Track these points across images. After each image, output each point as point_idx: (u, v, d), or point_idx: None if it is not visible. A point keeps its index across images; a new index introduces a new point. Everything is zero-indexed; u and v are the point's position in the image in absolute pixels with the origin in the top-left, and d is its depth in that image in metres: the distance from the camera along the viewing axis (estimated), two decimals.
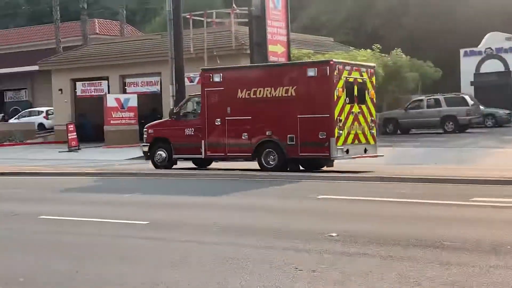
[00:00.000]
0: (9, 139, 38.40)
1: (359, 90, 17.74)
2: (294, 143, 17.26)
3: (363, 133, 17.90)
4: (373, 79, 18.55)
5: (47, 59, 40.92)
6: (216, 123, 18.42)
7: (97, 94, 35.81)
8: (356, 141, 17.63)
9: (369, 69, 18.51)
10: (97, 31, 48.99)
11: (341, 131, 17.02)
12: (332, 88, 16.88)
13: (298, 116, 17.27)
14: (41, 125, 42.65)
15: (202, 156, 18.69)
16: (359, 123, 17.70)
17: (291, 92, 17.44)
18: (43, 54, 44.04)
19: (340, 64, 17.70)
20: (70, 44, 44.14)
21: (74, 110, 38.26)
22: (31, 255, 7.98)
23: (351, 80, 17.52)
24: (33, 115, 43.91)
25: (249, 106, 18.02)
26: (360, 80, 17.86)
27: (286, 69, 19.00)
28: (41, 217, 10.83)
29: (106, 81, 36.02)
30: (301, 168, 18.09)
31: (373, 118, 18.38)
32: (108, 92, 34.40)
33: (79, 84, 37.19)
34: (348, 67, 17.71)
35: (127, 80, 35.63)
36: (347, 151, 17.29)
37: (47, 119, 42.73)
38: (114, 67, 35.69)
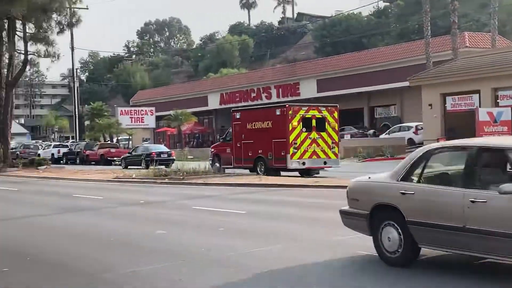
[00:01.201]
0: (380, 154, 41.38)
1: (317, 122, 26.75)
2: (271, 158, 27.15)
3: (323, 151, 26.86)
4: (335, 114, 27.41)
5: (417, 75, 42.92)
6: (238, 145, 28.80)
7: (467, 108, 36.38)
8: (314, 156, 26.74)
9: (330, 108, 27.66)
10: (467, 44, 49.31)
11: (296, 150, 26.29)
12: (287, 122, 26.30)
13: (273, 140, 26.95)
14: (410, 140, 44.78)
15: (232, 166, 29.24)
16: (318, 144, 26.72)
17: (269, 124, 27.41)
18: (412, 70, 46.25)
19: (295, 106, 27.49)
20: (439, 59, 45.39)
21: (444, 125, 39.43)
22: None
23: (308, 116, 26.71)
24: (402, 131, 46.33)
25: (252, 134, 28.14)
26: (319, 116, 26.90)
27: (267, 110, 29.48)
28: None
29: (477, 95, 36.39)
30: (298, 175, 27.09)
31: (334, 141, 27.25)
32: (480, 106, 34.73)
33: (448, 99, 38.14)
34: (305, 108, 27.19)
35: (500, 93, 35.51)
36: (304, 163, 26.61)
37: (417, 134, 44.70)
38: (486, 80, 35.85)
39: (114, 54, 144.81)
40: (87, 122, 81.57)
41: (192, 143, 75.86)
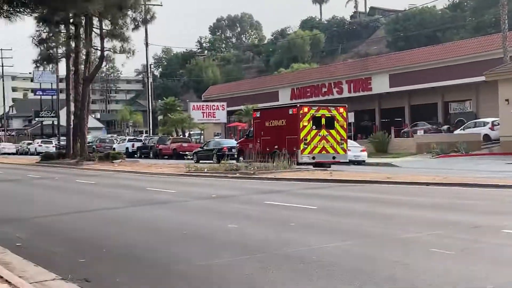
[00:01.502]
0: (454, 150, 40.48)
1: (326, 121, 29.67)
2: (292, 153, 28.87)
3: (332, 147, 29.74)
4: (344, 113, 30.21)
5: (493, 69, 41.76)
6: (258, 141, 31.61)
7: None
8: (324, 152, 29.71)
9: (338, 107, 30.51)
10: None
11: (306, 146, 29.33)
12: (298, 120, 29.33)
13: (286, 137, 29.90)
14: (486, 136, 43.65)
15: (253, 160, 29.21)
16: (327, 141, 29.64)
17: (283, 123, 30.57)
18: (489, 64, 45.01)
19: (306, 106, 30.64)
20: None
21: None
22: None
23: (318, 115, 29.67)
24: (478, 126, 45.19)
25: (269, 131, 31.38)
26: (328, 115, 29.81)
27: (281, 109, 32.81)
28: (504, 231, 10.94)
29: None
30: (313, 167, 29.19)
31: (342, 137, 29.98)
32: None
33: None
34: (315, 108, 30.23)
35: None
36: (314, 158, 29.50)
37: (493, 130, 43.51)
38: None
39: (186, 50, 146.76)
40: (160, 117, 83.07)
41: None
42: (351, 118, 52.29)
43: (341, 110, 30.47)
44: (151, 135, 67.54)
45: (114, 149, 55.29)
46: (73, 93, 48.91)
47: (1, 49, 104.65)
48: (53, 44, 48.69)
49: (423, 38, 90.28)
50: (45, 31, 47.21)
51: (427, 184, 20.59)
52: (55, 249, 10.27)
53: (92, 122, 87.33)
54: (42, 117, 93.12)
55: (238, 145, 37.86)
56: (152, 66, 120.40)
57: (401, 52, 67.71)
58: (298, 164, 28.91)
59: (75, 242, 10.90)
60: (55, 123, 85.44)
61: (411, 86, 57.09)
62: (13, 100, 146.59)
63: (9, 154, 77.09)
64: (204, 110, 68.38)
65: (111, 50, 46.05)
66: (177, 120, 68.12)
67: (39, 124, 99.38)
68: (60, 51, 50.85)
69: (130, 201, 17.86)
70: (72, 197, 19.81)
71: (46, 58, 48.97)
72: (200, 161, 41.00)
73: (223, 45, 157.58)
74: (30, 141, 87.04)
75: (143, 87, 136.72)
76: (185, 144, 51.90)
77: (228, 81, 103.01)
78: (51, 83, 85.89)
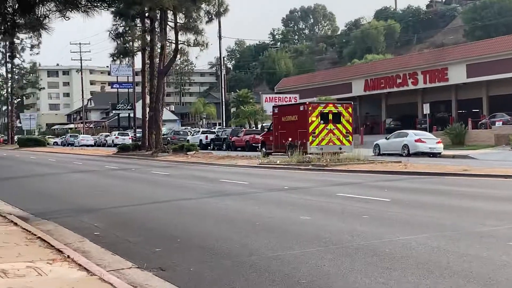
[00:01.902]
0: None
1: (333, 116, 32.78)
2: (303, 144, 32.15)
3: (338, 139, 32.79)
4: (350, 109, 33.58)
5: None
6: (276, 134, 35.80)
7: None
8: (331, 143, 32.64)
9: (345, 104, 33.80)
10: None
11: (314, 138, 32.45)
12: (308, 116, 32.56)
13: (298, 130, 33.26)
14: None
15: (273, 151, 35.66)
16: (333, 134, 32.70)
17: (296, 118, 33.89)
18: None
19: (314, 103, 34.96)
20: None
21: None
22: None
23: (325, 111, 32.84)
24: None
25: (285, 125, 34.85)
26: (335, 111, 32.94)
27: (294, 106, 36.77)
28: None
29: None
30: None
31: (348, 131, 33.11)
32: None
33: None
34: (323, 105, 33.86)
35: None
36: (321, 149, 31.80)
37: None
38: None
39: (259, 42, 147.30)
40: (233, 109, 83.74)
41: None
42: (426, 109, 51.30)
43: (347, 106, 33.94)
44: (224, 127, 68.18)
45: (188, 141, 56.06)
46: (148, 86, 49.89)
47: (80, 44, 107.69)
48: (129, 38, 49.78)
49: (501, 27, 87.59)
50: (121, 25, 48.33)
51: (506, 177, 20.02)
52: (132, 238, 10.53)
53: (166, 114, 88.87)
54: (119, 109, 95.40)
55: (262, 137, 41.76)
56: (225, 58, 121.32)
57: (479, 41, 65.89)
58: (308, 154, 31.48)
59: (151, 232, 11.15)
60: (131, 115, 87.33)
61: (489, 76, 55.53)
62: (91, 93, 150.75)
63: (87, 146, 79.39)
64: (277, 102, 68.44)
65: (185, 43, 46.71)
66: (250, 112, 68.51)
67: (116, 117, 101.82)
68: (136, 45, 51.94)
69: (204, 192, 18.11)
70: (148, 188, 20.24)
71: (122, 52, 50.10)
72: (272, 154, 41.09)
73: (296, 37, 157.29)
74: (108, 133, 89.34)
75: (217, 79, 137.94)
76: (258, 136, 52.09)
77: (301, 73, 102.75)
78: (127, 76, 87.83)
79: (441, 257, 8.38)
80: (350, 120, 33.76)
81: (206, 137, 58.77)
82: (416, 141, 37.12)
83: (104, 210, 14.53)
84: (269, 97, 70.14)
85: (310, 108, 32.99)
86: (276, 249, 9.19)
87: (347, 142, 33.21)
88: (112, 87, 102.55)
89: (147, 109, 49.26)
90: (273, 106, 39.26)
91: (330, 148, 32.12)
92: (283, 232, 10.67)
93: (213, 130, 68.22)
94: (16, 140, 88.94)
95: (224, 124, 71.37)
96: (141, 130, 56.60)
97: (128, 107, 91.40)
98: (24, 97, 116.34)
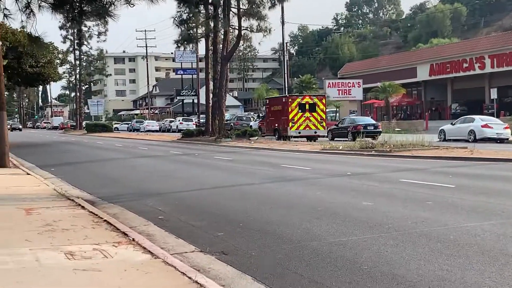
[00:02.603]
0: None
1: (310, 106, 40.50)
2: (281, 129, 41.25)
3: (314, 125, 40.51)
4: (323, 100, 41.85)
5: None
6: (267, 121, 44.56)
7: None
8: (307, 128, 40.56)
9: (319, 97, 42.54)
10: None
11: (293, 124, 40.20)
12: (288, 106, 40.38)
13: (282, 117, 41.16)
14: None
15: (265, 134, 45.18)
16: (310, 121, 40.30)
17: (280, 108, 41.68)
18: None
19: (294, 96, 43.76)
20: None
21: None
22: None
23: (303, 102, 40.73)
24: None
25: (273, 113, 42.94)
26: (311, 102, 40.79)
27: (279, 98, 44.44)
28: None
29: None
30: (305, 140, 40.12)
31: (322, 118, 40.96)
32: None
33: None
34: (300, 97, 42.02)
35: None
36: (299, 132, 40.52)
37: None
38: None
39: (322, 27, 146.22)
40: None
41: (400, 115, 74.54)
42: (494, 94, 49.98)
43: (321, 98, 42.35)
44: None
45: (251, 126, 56.22)
46: (212, 72, 50.20)
47: (145, 31, 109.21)
48: (193, 24, 50.16)
49: None
50: (185, 12, 48.71)
51: None
52: (195, 222, 10.66)
53: (230, 100, 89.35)
54: (183, 95, 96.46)
55: (258, 123, 53.12)
56: (288, 44, 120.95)
57: None
58: (289, 137, 40.41)
59: (213, 216, 11.26)
60: (195, 101, 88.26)
61: None
62: (156, 79, 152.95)
63: (152, 131, 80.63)
64: (339, 87, 67.93)
65: (248, 29, 46.73)
66: None
67: (180, 103, 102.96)
68: (199, 31, 52.32)
69: (266, 177, 18.15)
70: (210, 173, 20.43)
71: (186, 39, 50.55)
72: (335, 139, 40.90)
73: (360, 21, 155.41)
74: (172, 119, 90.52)
75: (279, 65, 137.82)
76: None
77: (364, 58, 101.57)
78: (191, 62, 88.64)
79: (507, 244, 8.18)
80: (324, 110, 41.97)
81: None
82: (482, 126, 36.26)
83: (168, 194, 14.74)
84: (332, 83, 69.66)
85: (290, 100, 41.12)
86: (338, 235, 9.15)
87: (321, 127, 41.17)
88: (176, 74, 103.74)
89: (211, 95, 49.59)
90: (266, 98, 49.91)
91: (306, 132, 40.83)
92: (345, 217, 10.61)
93: None
94: (84, 126, 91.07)
95: None
96: (204, 115, 57.10)
97: (192, 93, 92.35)
98: (91, 83, 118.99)
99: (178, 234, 9.58)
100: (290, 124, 40.43)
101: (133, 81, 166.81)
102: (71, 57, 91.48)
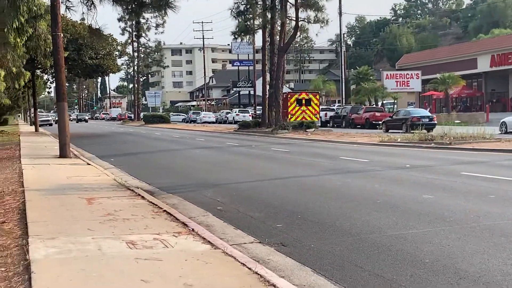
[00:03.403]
0: None
1: (305, 101, 47.92)
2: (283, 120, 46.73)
3: (309, 117, 47.04)
4: (317, 97, 50.00)
5: None
6: (282, 111, 46.93)
7: None
8: (304, 119, 45.85)
9: (313, 93, 50.79)
10: None
11: (292, 116, 47.28)
12: (287, 101, 47.74)
13: (283, 110, 47.01)
14: None
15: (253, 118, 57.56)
16: (306, 113, 47.35)
17: (284, 102, 47.48)
18: None
19: (292, 93, 51.75)
20: None
21: None
22: None
23: (300, 98, 48.29)
24: None
25: (284, 107, 47.94)
26: (307, 97, 48.30)
27: (285, 94, 49.23)
28: None
29: None
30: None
31: (317, 111, 48.52)
32: None
33: None
34: (298, 93, 50.02)
35: None
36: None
37: None
38: None
39: (380, 17, 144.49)
40: (353, 86, 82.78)
41: (459, 107, 73.14)
42: None
43: (315, 94, 50.01)
44: (343, 104, 67.62)
45: None
46: (268, 63, 50.20)
47: (202, 22, 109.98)
48: (250, 16, 50.20)
49: None
50: (242, 3, 48.81)
51: None
52: (253, 214, 10.70)
53: (286, 91, 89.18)
54: (240, 87, 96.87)
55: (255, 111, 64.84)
56: (345, 35, 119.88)
57: None
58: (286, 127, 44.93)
59: (271, 208, 11.28)
60: (251, 93, 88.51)
61: None
62: (213, 71, 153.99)
63: (209, 122, 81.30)
64: (397, 79, 67.04)
65: (305, 20, 46.51)
66: (370, 89, 67.52)
67: (237, 94, 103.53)
68: (256, 22, 52.35)
69: (323, 169, 18.09)
70: (268, 164, 20.47)
71: (243, 30, 50.66)
72: (389, 131, 40.46)
73: (419, 12, 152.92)
74: (228, 110, 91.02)
75: (336, 56, 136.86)
76: (378, 114, 51.34)
77: (423, 48, 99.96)
78: (248, 54, 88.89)
79: None
80: (318, 104, 49.81)
81: (326, 115, 58.47)
82: None
83: (226, 185, 14.84)
84: (390, 74, 68.81)
85: (289, 96, 48.55)
86: (398, 228, 9.05)
87: (315, 118, 47.85)
88: (233, 65, 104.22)
89: (267, 87, 49.63)
90: (282, 93, 52.27)
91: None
92: (405, 210, 10.49)
93: (333, 107, 67.83)
94: (141, 117, 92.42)
95: (343, 102, 70.78)
96: (261, 107, 57.19)
97: (248, 85, 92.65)
98: (149, 75, 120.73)
99: (237, 225, 9.64)
100: (289, 116, 47.68)
101: (189, 72, 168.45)
102: (129, 49, 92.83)
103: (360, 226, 9.31)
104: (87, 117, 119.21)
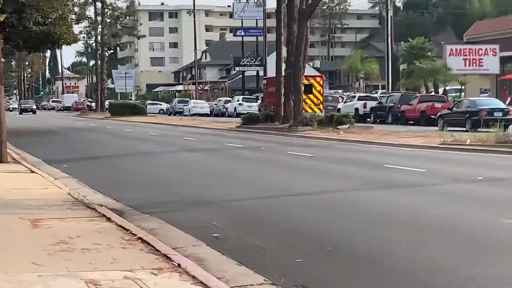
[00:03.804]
0: None
1: (306, 87, 48.47)
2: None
3: (310, 107, 50.04)
4: (321, 81, 53.55)
5: None
6: (265, 103, 58.82)
7: None
8: (303, 111, 46.43)
9: (316, 77, 55.05)
10: None
11: None
12: (280, 88, 50.14)
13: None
14: None
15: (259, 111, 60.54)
16: (306, 103, 48.98)
17: (276, 88, 51.77)
18: None
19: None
20: None
21: None
22: None
23: None
24: None
25: (270, 95, 55.25)
26: (307, 83, 49.40)
27: (274, 79, 53.99)
28: None
29: None
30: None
31: (319, 100, 51.83)
32: None
33: None
34: None
35: None
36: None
37: None
38: None
39: None
40: (403, 66, 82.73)
41: None
42: None
43: (318, 79, 53.38)
44: (389, 91, 67.57)
45: (338, 110, 56.03)
46: (285, 33, 50.17)
47: None
48: None
49: None
50: None
51: None
52: (263, 243, 10.67)
53: (309, 72, 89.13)
54: (244, 65, 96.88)
55: (257, 105, 69.66)
56: None
57: None
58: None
59: (289, 235, 11.26)
60: (261, 74, 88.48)
61: None
62: (207, 43, 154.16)
63: (201, 115, 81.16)
64: (466, 55, 66.89)
65: None
66: (427, 71, 67.37)
67: (240, 76, 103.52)
68: None
69: (362, 181, 18.06)
70: (284, 174, 20.44)
71: None
72: (447, 128, 40.41)
73: None
74: (228, 98, 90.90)
75: (380, 24, 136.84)
76: (438, 105, 51.04)
77: (502, 14, 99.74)
78: (256, 19, 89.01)
79: None
80: (321, 91, 52.80)
81: (365, 105, 58.43)
82: None
83: (226, 203, 14.83)
84: (456, 49, 68.66)
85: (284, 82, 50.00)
86: (470, 265, 9.03)
87: (318, 110, 50.26)
88: (235, 35, 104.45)
89: (283, 65, 49.64)
90: (263, 78, 61.83)
91: (302, 115, 47.32)
92: (479, 241, 10.48)
93: (375, 95, 67.77)
94: (106, 106, 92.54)
95: (389, 87, 70.74)
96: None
97: (256, 63, 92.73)
98: (118, 48, 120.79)
99: (240, 259, 9.61)
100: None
101: (174, 45, 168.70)
102: (90, 11, 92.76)
103: (417, 263, 9.30)
104: (34, 106, 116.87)
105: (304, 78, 48.33)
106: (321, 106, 51.63)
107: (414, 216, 12.81)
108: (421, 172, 20.18)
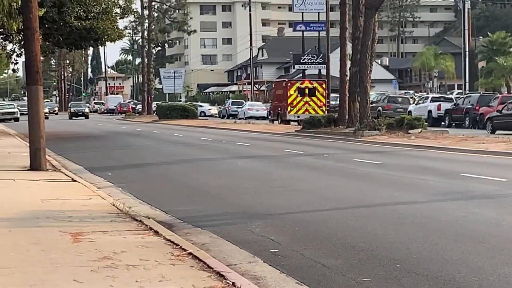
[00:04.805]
0: None
1: (309, 91, 62.99)
2: (282, 113, 65.81)
3: (313, 109, 61.24)
4: (323, 85, 64.88)
5: None
6: (273, 105, 73.62)
7: None
8: (306, 113, 59.65)
9: (319, 81, 66.43)
10: None
11: (292, 108, 63.02)
12: (287, 90, 63.83)
13: (283, 102, 65.58)
14: None
15: (271, 118, 73.94)
16: (309, 105, 62.29)
17: (282, 92, 67.08)
18: None
19: (292, 80, 70.84)
20: None
21: None
22: None
23: (302, 87, 63.52)
24: None
25: (277, 98, 70.10)
26: (311, 86, 63.35)
27: (280, 82, 74.98)
28: None
29: None
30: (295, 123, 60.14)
31: (322, 103, 63.30)
32: None
33: None
34: (300, 81, 66.66)
35: None
36: (298, 117, 60.88)
37: None
38: None
39: None
40: (481, 63, 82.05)
41: None
42: None
43: (321, 83, 62.93)
44: (466, 91, 67.03)
45: (409, 112, 55.75)
46: (350, 27, 50.10)
47: None
48: None
49: None
50: None
51: None
52: (326, 260, 10.66)
53: (377, 71, 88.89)
54: (304, 63, 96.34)
55: (268, 107, 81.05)
56: None
57: None
58: (288, 121, 62.08)
59: (354, 251, 11.23)
60: (323, 72, 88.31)
61: None
62: (264, 39, 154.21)
63: (257, 118, 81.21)
64: None
65: None
66: (509, 68, 66.79)
67: (300, 74, 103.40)
68: None
69: (435, 192, 17.95)
70: (349, 184, 20.39)
71: None
72: (496, 132, 40.02)
73: None
74: None
75: (456, 17, 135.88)
76: None
77: None
78: (318, 12, 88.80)
79: None
80: (324, 94, 62.05)
81: (439, 107, 58.07)
82: None
83: (284, 215, 14.83)
84: None
85: (289, 85, 62.23)
86: None
87: (321, 112, 58.27)
88: (294, 30, 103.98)
89: (348, 63, 49.54)
90: (272, 82, 68.25)
91: (305, 116, 55.33)
92: None
93: (450, 96, 67.26)
94: (154, 109, 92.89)
95: (466, 87, 70.20)
96: (337, 95, 57.09)
97: (318, 60, 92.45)
98: (166, 44, 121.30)
99: (302, 277, 9.64)
100: (289, 108, 60.86)
101: (228, 41, 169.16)
102: (137, 4, 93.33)
103: (498, 285, 9.20)
104: (87, 110, 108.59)
105: (308, 82, 62.72)
106: (323, 108, 61.06)
107: (494, 230, 12.69)
108: (503, 181, 20.00)
